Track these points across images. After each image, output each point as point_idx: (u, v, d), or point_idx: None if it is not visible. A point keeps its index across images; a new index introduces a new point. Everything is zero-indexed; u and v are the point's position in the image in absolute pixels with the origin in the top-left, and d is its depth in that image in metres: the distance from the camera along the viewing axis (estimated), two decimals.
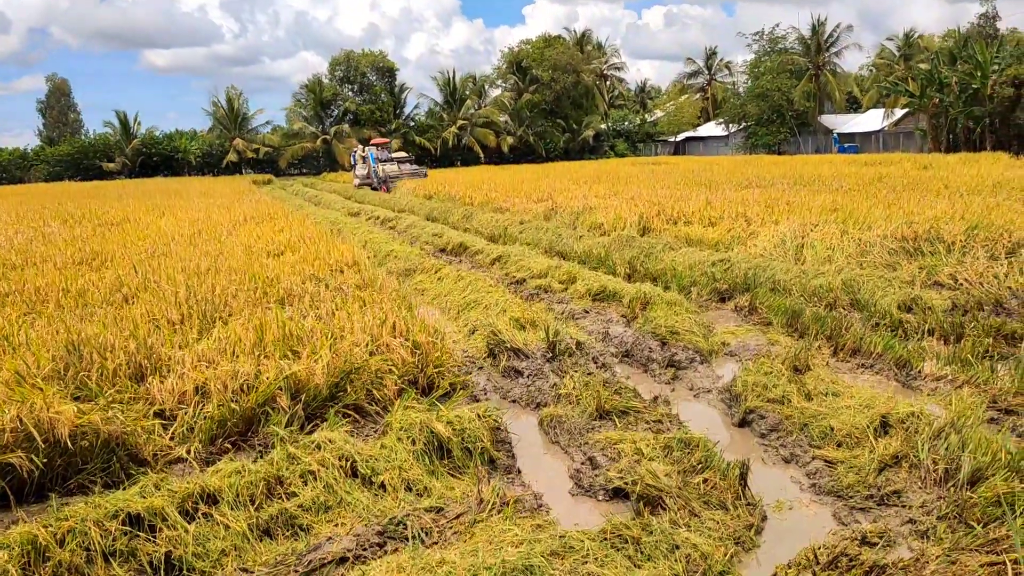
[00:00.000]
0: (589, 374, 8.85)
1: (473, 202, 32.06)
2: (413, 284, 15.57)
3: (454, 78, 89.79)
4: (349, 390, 7.86)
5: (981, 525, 5.10)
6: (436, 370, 8.65)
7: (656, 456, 6.47)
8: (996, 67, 51.65)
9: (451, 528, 5.43)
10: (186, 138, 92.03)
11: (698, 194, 26.45)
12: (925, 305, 11.48)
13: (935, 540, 5.05)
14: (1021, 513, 5.23)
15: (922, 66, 61.58)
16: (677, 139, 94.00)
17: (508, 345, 9.85)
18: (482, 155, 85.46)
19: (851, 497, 6.04)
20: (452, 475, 6.54)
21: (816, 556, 4.78)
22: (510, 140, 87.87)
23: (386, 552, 5.22)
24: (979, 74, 51.85)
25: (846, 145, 69.66)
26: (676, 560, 4.89)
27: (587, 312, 12.40)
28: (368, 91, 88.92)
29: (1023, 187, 24.16)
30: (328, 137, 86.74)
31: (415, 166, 57.89)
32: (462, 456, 6.68)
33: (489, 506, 5.70)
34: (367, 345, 8.48)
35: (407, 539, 5.32)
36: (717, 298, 13.06)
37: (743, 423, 7.71)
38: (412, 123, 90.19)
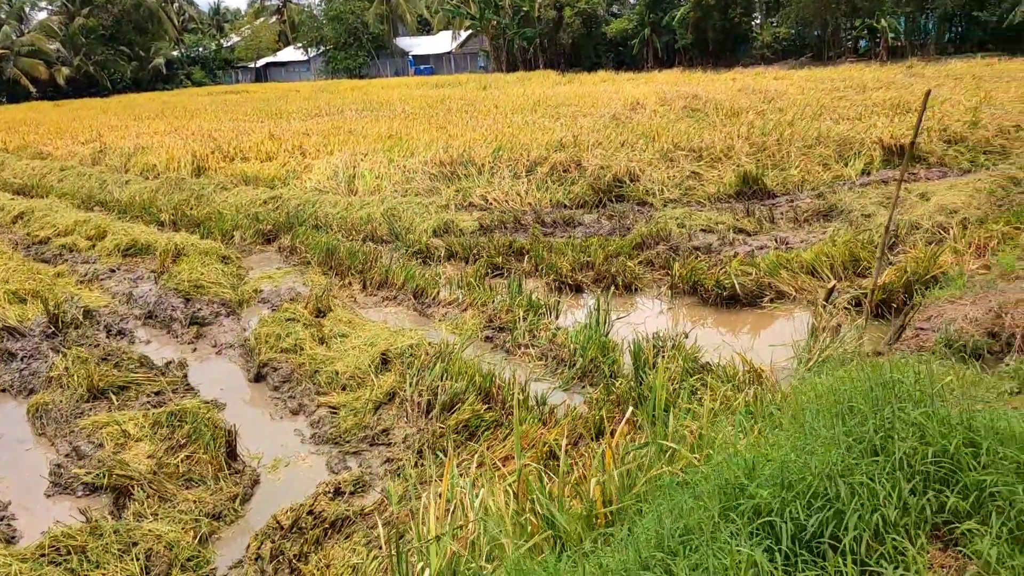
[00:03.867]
0: (95, 346, 7.96)
1: (8, 147, 27.80)
2: None
3: None
4: None
5: (445, 453, 5.37)
6: None
7: (144, 436, 5.95)
8: None
9: None
10: None
11: (264, 127, 25.54)
12: (457, 228, 12.11)
13: (403, 478, 5.20)
14: (484, 437, 5.61)
15: None
16: (258, 65, 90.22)
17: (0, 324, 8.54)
18: (33, 89, 74.58)
19: (347, 442, 6.06)
20: None
21: (279, 522, 4.67)
22: (66, 71, 77.58)
23: None
24: None
25: (422, 67, 72.17)
26: (131, 560, 4.47)
27: (114, 271, 11.24)
28: None
29: (558, 103, 26.76)
30: None
31: None
32: None
33: None
34: None
35: None
36: (262, 240, 12.61)
37: (259, 377, 7.44)
38: None
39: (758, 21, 51.36)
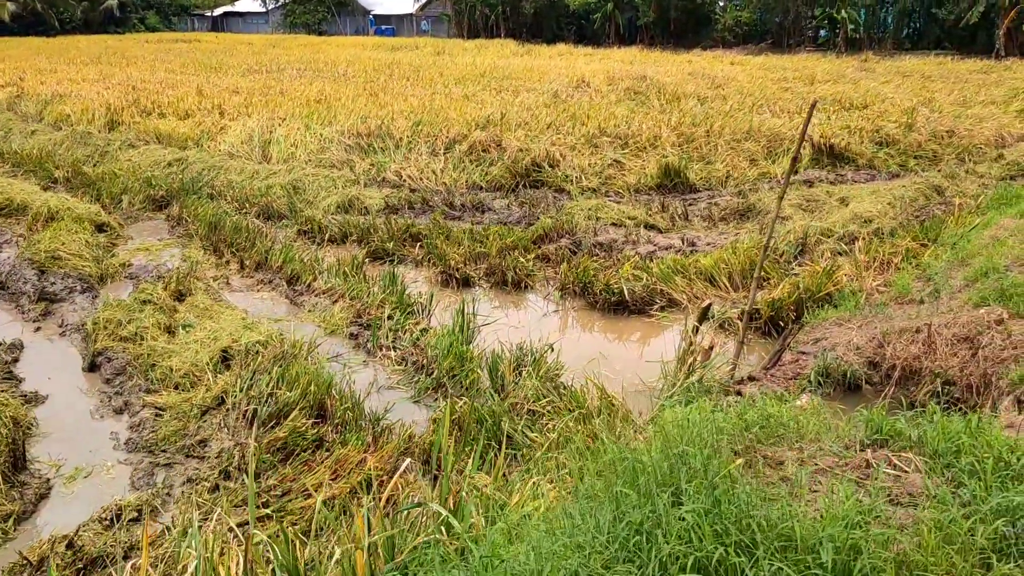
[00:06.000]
0: None
1: None
2: None
3: None
4: None
5: (262, 476, 4.83)
6: None
7: None
8: None
9: None
10: None
11: (197, 81, 24.44)
12: (362, 206, 11.48)
13: (185, 506, 4.65)
14: (301, 458, 5.08)
15: None
16: (215, 14, 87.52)
17: None
18: None
19: (163, 451, 5.48)
20: None
21: (27, 559, 4.09)
22: (11, 7, 74.51)
23: None
24: None
25: (383, 27, 70.45)
26: None
27: None
28: None
29: (505, 76, 26.02)
30: None
31: None
32: None
33: None
34: None
35: None
36: (153, 207, 11.84)
37: (93, 367, 6.80)
38: None
39: (722, 4, 50.81)
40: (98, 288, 8.60)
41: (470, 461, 4.04)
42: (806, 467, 4.11)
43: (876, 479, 3.39)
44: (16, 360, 7.01)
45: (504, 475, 4.21)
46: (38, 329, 7.73)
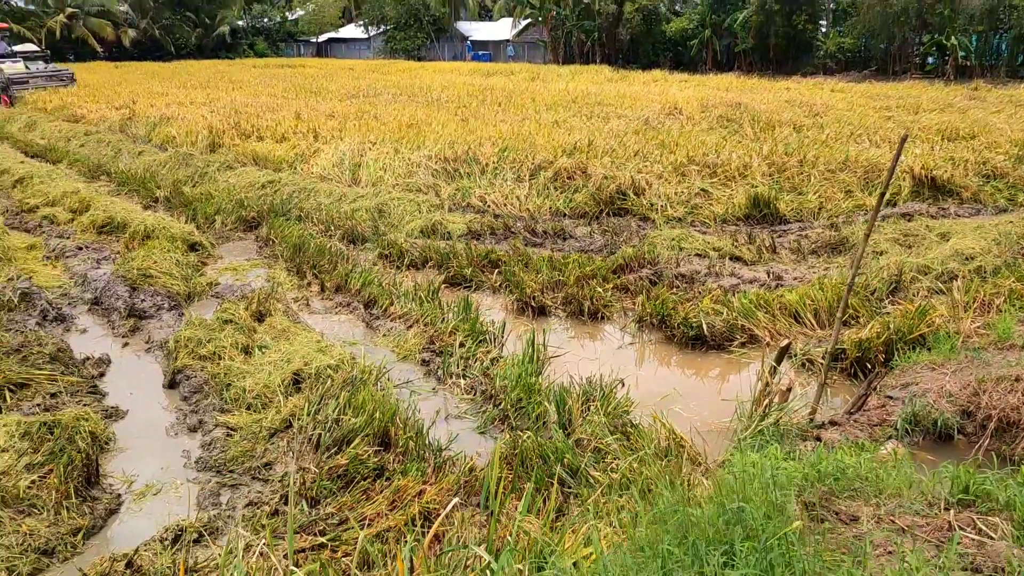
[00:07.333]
0: (20, 333, 7.58)
1: (46, 107, 28.00)
2: None
3: None
4: None
5: (310, 504, 4.83)
6: None
7: (11, 447, 5.49)
8: None
9: None
10: None
11: (296, 104, 25.20)
12: (444, 230, 11.54)
13: (256, 527, 4.66)
14: (361, 487, 5.05)
15: None
16: (320, 40, 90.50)
17: None
18: (100, 49, 75.87)
19: (231, 472, 5.54)
20: None
21: (86, 574, 4.16)
22: (132, 34, 78.73)
23: None
24: None
25: (480, 53, 71.42)
26: None
27: (83, 248, 10.92)
28: None
29: (598, 102, 25.93)
30: None
31: (54, 66, 38.40)
32: None
33: None
34: None
35: None
36: (244, 227, 12.18)
37: (173, 384, 6.97)
38: (7, 7, 77.35)
39: (824, 30, 49.58)
40: (185, 306, 8.85)
41: (521, 502, 3.91)
42: (882, 526, 3.85)
43: (955, 545, 3.12)
44: (102, 374, 7.25)
45: (559, 516, 4.07)
46: (126, 345, 7.99)
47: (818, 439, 5.50)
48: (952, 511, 3.97)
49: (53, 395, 6.47)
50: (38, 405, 6.30)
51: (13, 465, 5.24)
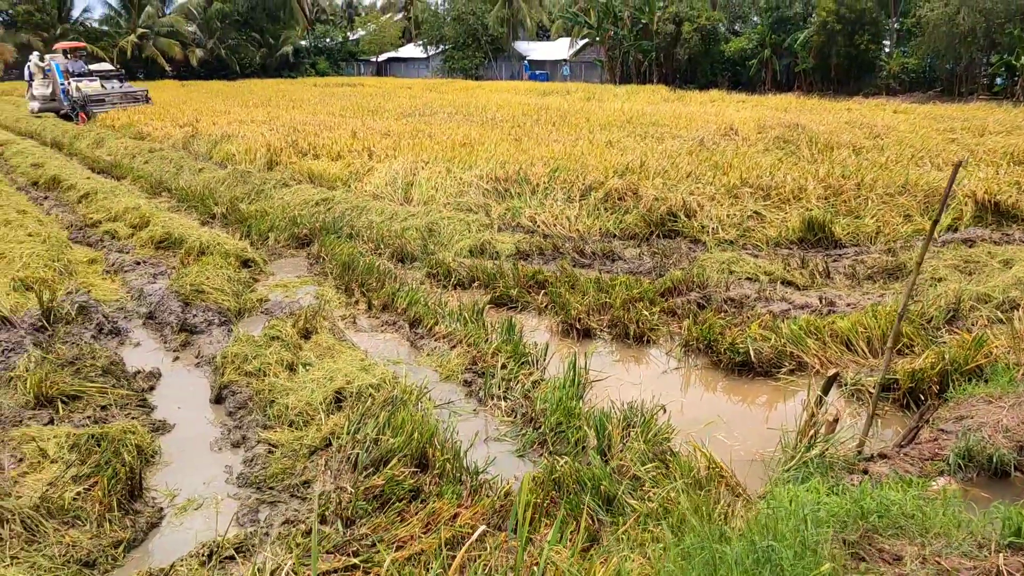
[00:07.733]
0: (75, 346, 7.78)
1: (114, 125, 28.91)
2: None
3: None
4: None
5: (344, 524, 4.84)
6: None
7: (60, 458, 5.63)
8: (661, 4, 55.29)
9: None
10: None
11: (353, 122, 25.59)
12: (493, 250, 11.56)
13: (290, 546, 4.68)
14: (395, 508, 5.04)
15: None
16: (380, 59, 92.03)
17: None
18: (168, 68, 78.29)
19: (272, 488, 5.60)
20: None
21: None
22: (199, 53, 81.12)
23: None
24: (647, 9, 55.23)
25: (537, 72, 71.75)
26: None
27: (141, 263, 11.20)
28: None
29: (653, 122, 25.80)
30: None
31: (128, 84, 39.41)
32: None
33: None
34: None
35: None
36: (296, 244, 12.38)
37: (219, 399, 7.09)
38: (83, 28, 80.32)
39: (887, 50, 48.68)
40: (235, 322, 9.00)
41: (550, 531, 3.86)
42: (927, 567, 3.71)
43: None
44: (152, 388, 7.40)
45: (592, 544, 4.01)
46: (176, 359, 8.15)
47: (865, 472, 5.34)
48: (1002, 555, 3.81)
49: (103, 407, 6.62)
50: (88, 417, 6.45)
51: (60, 476, 5.36)
